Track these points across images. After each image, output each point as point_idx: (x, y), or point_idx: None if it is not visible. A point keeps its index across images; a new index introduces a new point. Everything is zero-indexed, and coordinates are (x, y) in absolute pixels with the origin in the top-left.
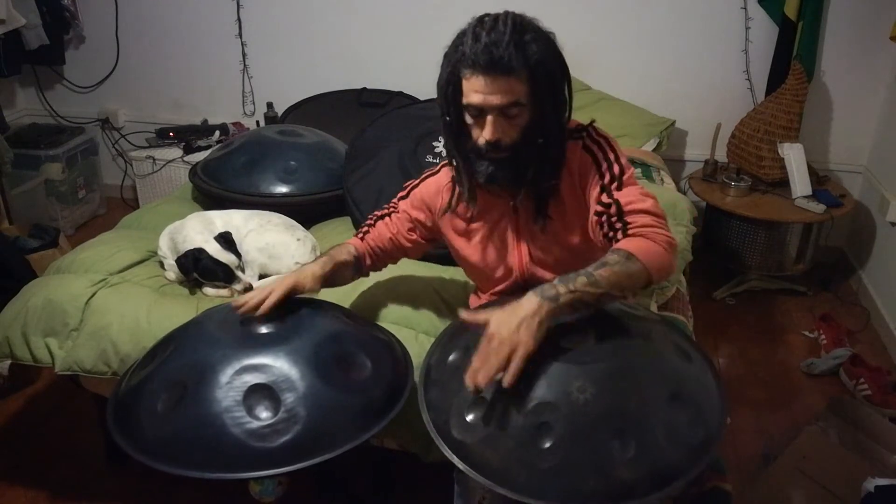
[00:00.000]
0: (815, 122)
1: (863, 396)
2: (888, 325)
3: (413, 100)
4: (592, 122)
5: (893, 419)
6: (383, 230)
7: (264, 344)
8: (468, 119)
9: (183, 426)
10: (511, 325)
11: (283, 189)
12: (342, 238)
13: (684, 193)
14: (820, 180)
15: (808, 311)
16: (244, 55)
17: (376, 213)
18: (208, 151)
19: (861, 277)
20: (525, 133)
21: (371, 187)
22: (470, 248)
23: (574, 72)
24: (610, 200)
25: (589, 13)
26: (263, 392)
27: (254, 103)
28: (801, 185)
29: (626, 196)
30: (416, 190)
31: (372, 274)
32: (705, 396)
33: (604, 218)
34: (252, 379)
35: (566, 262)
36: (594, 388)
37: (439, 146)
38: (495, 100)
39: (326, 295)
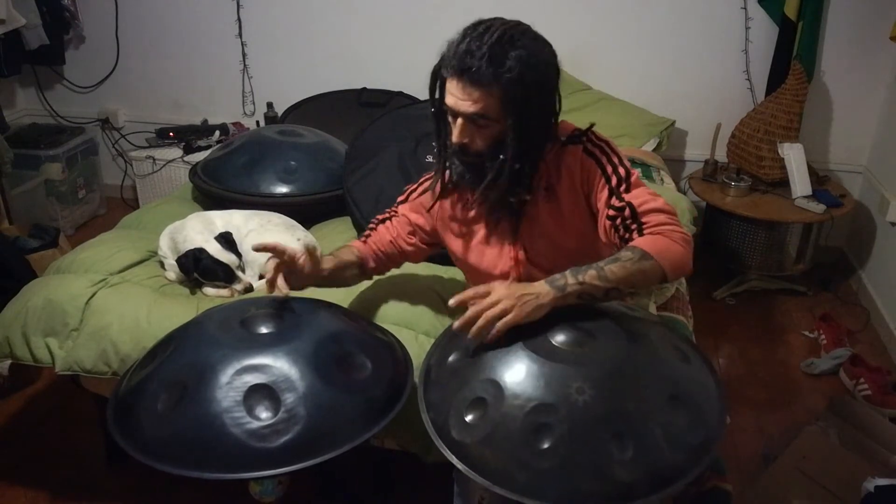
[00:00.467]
0: (815, 122)
1: (863, 396)
2: (888, 325)
3: (413, 100)
4: (592, 125)
5: (893, 419)
6: (384, 234)
7: (264, 344)
8: (449, 118)
9: (183, 426)
10: (512, 294)
11: (283, 189)
12: (342, 238)
13: (684, 193)
14: (820, 180)
15: (808, 311)
16: (244, 55)
17: (378, 216)
18: (208, 151)
19: (861, 277)
20: (495, 145)
21: (371, 187)
22: (467, 250)
23: (574, 72)
24: (622, 203)
25: (589, 13)
26: (263, 392)
27: (254, 103)
28: (801, 185)
29: (637, 197)
30: (414, 194)
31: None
32: (704, 397)
33: (618, 221)
34: (252, 379)
35: (562, 264)
36: (593, 389)
37: None
38: (464, 106)
39: (326, 295)
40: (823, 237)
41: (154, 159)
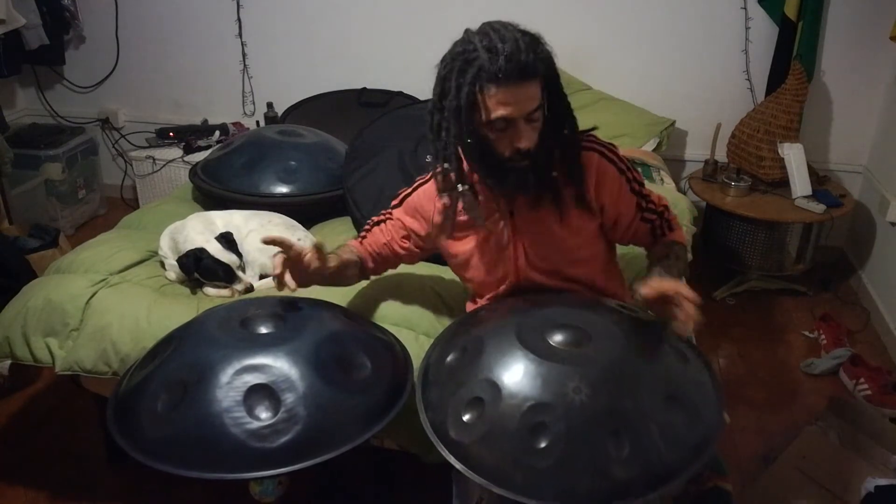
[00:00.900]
0: (815, 122)
1: (863, 396)
2: (888, 325)
3: (413, 100)
4: (594, 129)
5: (893, 419)
6: (379, 236)
7: (264, 344)
8: (488, 134)
9: (183, 426)
10: (670, 280)
11: (283, 189)
12: (342, 238)
13: (684, 193)
14: (820, 180)
15: (808, 311)
16: (244, 55)
17: (373, 218)
18: (208, 151)
19: (861, 277)
20: (542, 135)
21: (371, 187)
22: (466, 253)
23: (574, 72)
24: (658, 210)
25: (589, 13)
26: (263, 392)
27: (254, 103)
28: (801, 185)
29: (658, 200)
30: (409, 198)
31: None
32: (702, 396)
33: (657, 223)
34: (252, 379)
35: (560, 264)
36: (590, 388)
37: None
38: (525, 107)
39: (326, 295)
40: (823, 237)
41: (154, 159)
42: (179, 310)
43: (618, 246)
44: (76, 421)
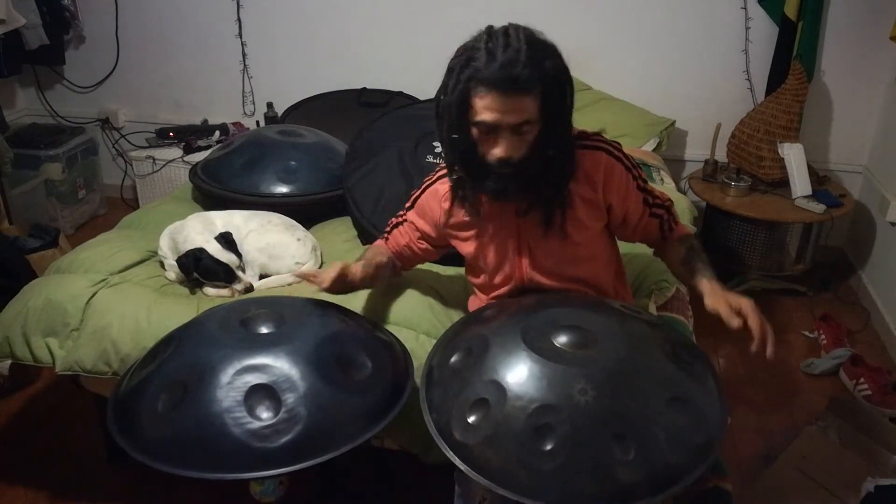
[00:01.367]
0: (815, 122)
1: (863, 396)
2: (888, 325)
3: (413, 100)
4: (602, 131)
5: (893, 419)
6: (399, 238)
7: (265, 344)
8: (474, 134)
9: (183, 426)
10: (743, 297)
11: (283, 189)
12: (342, 238)
13: (684, 193)
14: (820, 180)
15: (808, 311)
16: (244, 55)
17: (392, 220)
18: (208, 151)
19: (861, 277)
20: (533, 148)
21: (371, 187)
22: (470, 254)
23: (574, 72)
24: (665, 205)
25: (589, 13)
26: (264, 392)
27: (254, 103)
28: (801, 185)
29: (661, 197)
30: (419, 200)
31: None
32: (705, 398)
33: (665, 218)
34: (253, 379)
35: (567, 264)
36: (595, 390)
37: (439, 146)
38: (510, 118)
39: (326, 295)
40: (823, 237)
41: (154, 159)
42: (179, 310)
43: (619, 244)
44: (76, 421)
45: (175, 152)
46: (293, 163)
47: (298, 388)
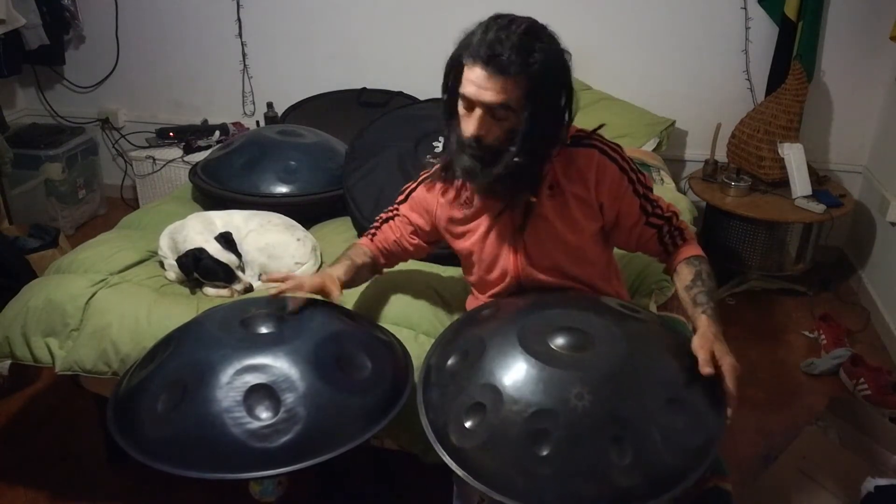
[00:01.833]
0: (815, 122)
1: (863, 396)
2: (888, 325)
3: (413, 100)
4: (601, 126)
5: (893, 419)
6: (388, 233)
7: (264, 344)
8: (460, 109)
9: (183, 426)
10: (732, 357)
11: (283, 189)
12: (342, 238)
13: (684, 193)
14: (820, 180)
15: (808, 311)
16: (244, 55)
17: (381, 215)
18: (208, 151)
19: (861, 277)
20: (509, 138)
21: (371, 187)
22: (467, 249)
23: (574, 72)
24: (665, 215)
25: (589, 13)
26: (263, 392)
27: (254, 103)
28: (801, 185)
29: (667, 206)
30: (413, 193)
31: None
32: (704, 399)
33: (665, 230)
34: (252, 379)
35: (562, 263)
36: (592, 394)
37: (439, 146)
38: (487, 96)
39: None
40: (823, 237)
41: (154, 159)
42: (179, 310)
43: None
44: (76, 421)
45: (175, 152)
46: (293, 163)
47: (298, 388)
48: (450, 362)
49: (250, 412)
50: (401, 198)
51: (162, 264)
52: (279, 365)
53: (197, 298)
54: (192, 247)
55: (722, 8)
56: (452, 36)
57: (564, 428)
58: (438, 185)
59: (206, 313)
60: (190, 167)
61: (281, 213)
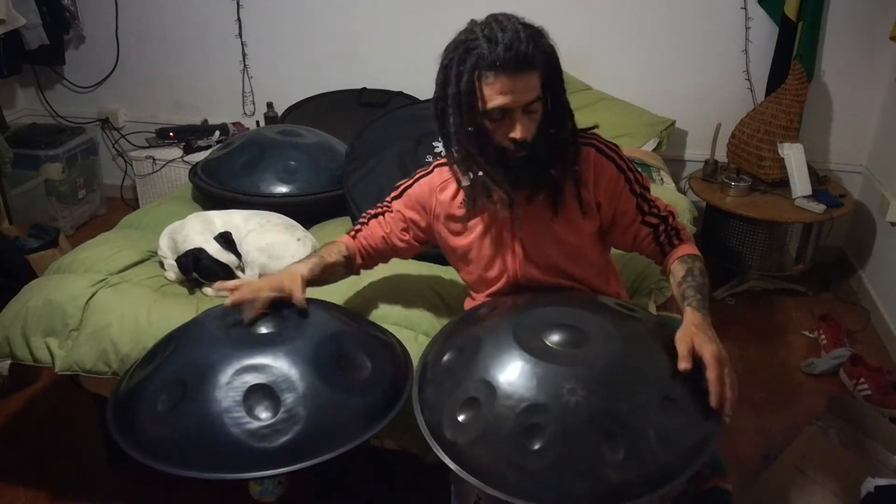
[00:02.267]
0: (815, 122)
1: (863, 396)
2: (888, 325)
3: (413, 100)
4: (595, 127)
5: (893, 419)
6: (376, 229)
7: (264, 344)
8: (487, 125)
9: (183, 426)
10: (718, 346)
11: (283, 189)
12: None
13: (684, 193)
14: (820, 180)
15: (808, 311)
16: (244, 55)
17: (370, 211)
18: (208, 151)
19: (861, 277)
20: (540, 127)
21: (371, 187)
22: (464, 248)
23: (574, 72)
24: (663, 213)
25: (589, 13)
26: (263, 392)
27: (254, 103)
28: (801, 185)
29: (664, 206)
30: (409, 190)
31: (366, 273)
32: (700, 397)
33: (661, 229)
34: (252, 379)
35: (560, 262)
36: (585, 390)
37: (439, 146)
38: (522, 98)
39: (326, 295)
40: (823, 237)
41: (154, 159)
42: (179, 310)
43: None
44: (76, 421)
45: (175, 152)
46: (293, 163)
47: (297, 388)
48: (445, 358)
49: (250, 412)
50: (394, 193)
51: (162, 264)
52: (279, 365)
53: (197, 298)
54: (191, 247)
55: (722, 8)
56: (452, 36)
57: (557, 422)
58: (436, 182)
59: (205, 313)
60: (190, 167)
61: (281, 213)
